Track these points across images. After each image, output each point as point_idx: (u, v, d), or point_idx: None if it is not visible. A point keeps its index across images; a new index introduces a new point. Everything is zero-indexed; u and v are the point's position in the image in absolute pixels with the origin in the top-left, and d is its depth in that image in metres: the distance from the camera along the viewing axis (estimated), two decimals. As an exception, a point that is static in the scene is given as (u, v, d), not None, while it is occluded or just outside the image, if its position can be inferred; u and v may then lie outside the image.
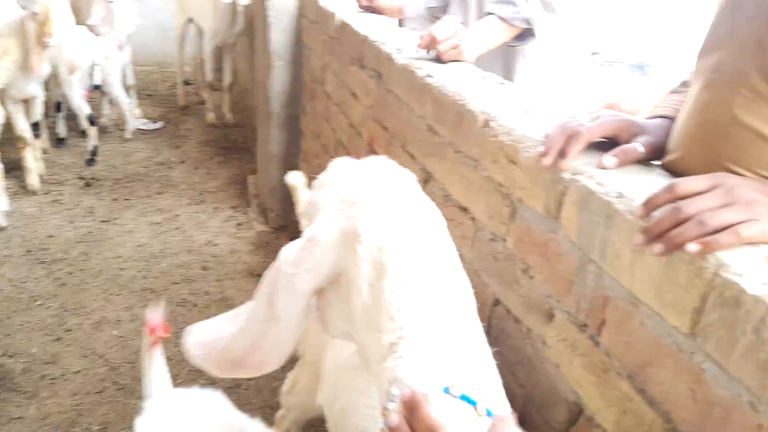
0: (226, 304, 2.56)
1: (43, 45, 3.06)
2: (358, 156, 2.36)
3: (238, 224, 3.29)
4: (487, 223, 1.29)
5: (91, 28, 3.76)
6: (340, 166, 0.98)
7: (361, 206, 0.85)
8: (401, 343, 0.77)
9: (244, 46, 4.86)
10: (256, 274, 2.80)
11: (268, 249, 2.99)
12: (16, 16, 3.16)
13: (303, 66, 3.00)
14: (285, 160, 3.10)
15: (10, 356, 2.22)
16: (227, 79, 4.59)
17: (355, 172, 0.94)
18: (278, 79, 3.00)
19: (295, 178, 1.70)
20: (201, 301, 2.61)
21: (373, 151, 2.07)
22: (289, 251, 0.86)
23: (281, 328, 0.89)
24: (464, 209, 1.39)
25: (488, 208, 1.28)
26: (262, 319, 0.90)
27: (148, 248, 2.98)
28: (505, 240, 1.22)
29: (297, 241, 0.88)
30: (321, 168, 1.01)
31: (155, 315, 1.31)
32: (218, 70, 4.57)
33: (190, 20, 4.75)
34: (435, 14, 2.53)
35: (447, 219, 1.51)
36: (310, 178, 2.89)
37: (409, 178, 0.95)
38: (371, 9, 2.44)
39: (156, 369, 1.35)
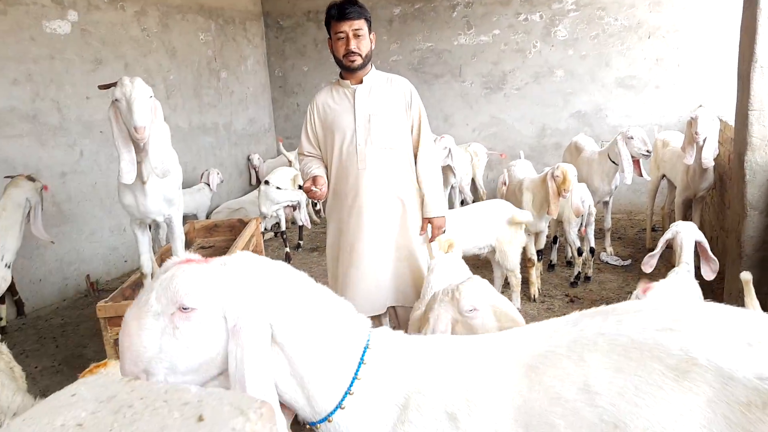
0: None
1: (560, 197, 4.31)
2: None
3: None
4: None
5: (588, 185, 4.88)
6: None
7: None
8: None
9: (713, 197, 5.30)
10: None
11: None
12: (539, 176, 4.56)
13: (777, 215, 3.34)
14: (753, 297, 3.40)
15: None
16: (694, 227, 5.05)
17: None
18: (750, 226, 3.40)
19: (747, 275, 2.27)
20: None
21: None
22: None
23: None
24: None
25: None
26: None
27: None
28: None
29: None
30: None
31: None
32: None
33: (663, 176, 5.52)
34: None
35: None
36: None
37: None
38: None
39: None
